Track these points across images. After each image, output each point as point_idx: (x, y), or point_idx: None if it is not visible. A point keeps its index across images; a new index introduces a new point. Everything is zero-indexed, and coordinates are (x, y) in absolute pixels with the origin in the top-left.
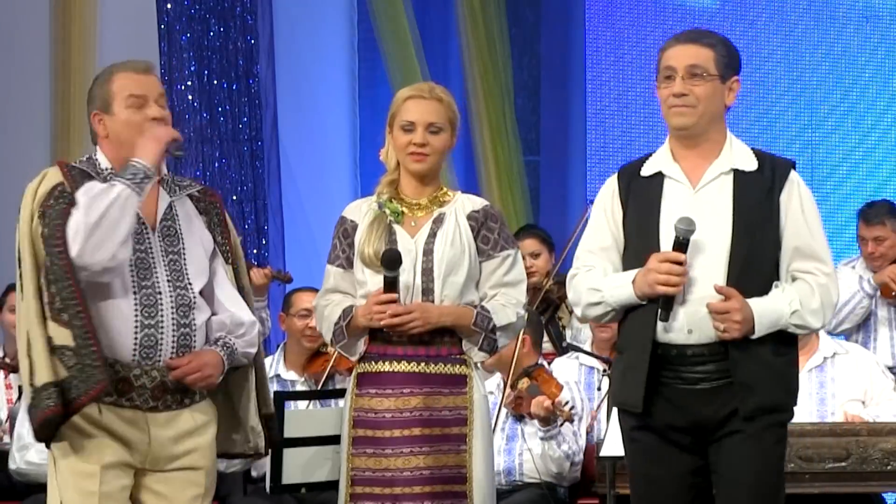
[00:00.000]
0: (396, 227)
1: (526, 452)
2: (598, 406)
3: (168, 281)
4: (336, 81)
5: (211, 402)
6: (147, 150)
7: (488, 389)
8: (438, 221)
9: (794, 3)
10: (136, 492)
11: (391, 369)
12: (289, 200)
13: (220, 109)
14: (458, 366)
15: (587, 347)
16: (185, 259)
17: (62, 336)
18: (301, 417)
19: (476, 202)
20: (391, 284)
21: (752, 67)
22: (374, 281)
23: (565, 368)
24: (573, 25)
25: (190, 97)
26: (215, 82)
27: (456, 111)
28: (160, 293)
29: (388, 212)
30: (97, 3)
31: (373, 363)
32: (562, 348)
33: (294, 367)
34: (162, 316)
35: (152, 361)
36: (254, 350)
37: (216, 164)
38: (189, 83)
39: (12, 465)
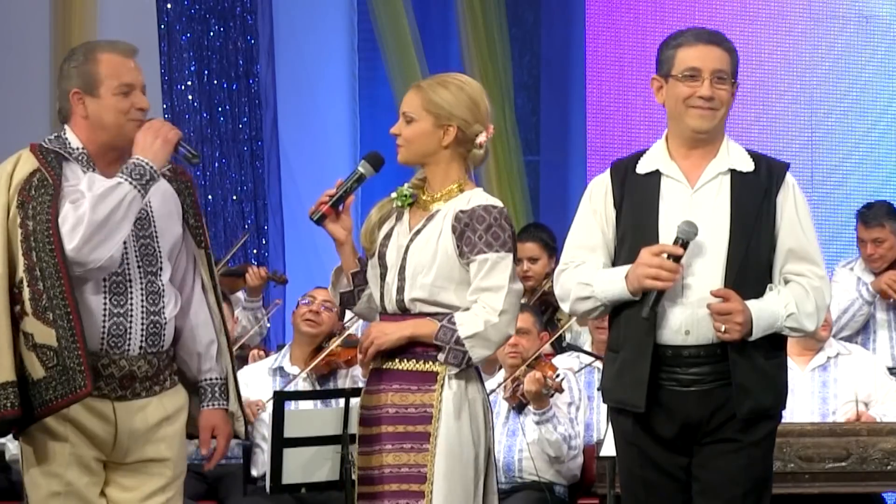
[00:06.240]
0: (404, 218)
1: (525, 450)
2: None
3: (139, 267)
4: (336, 81)
5: (183, 388)
6: (154, 151)
7: (490, 388)
8: (430, 219)
9: (793, 2)
10: (104, 484)
11: (373, 366)
12: (289, 200)
13: (220, 109)
14: (429, 363)
15: (587, 349)
16: (157, 243)
17: (45, 335)
18: (301, 417)
19: (473, 201)
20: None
21: (752, 67)
22: (371, 274)
23: (565, 367)
24: (573, 25)
25: (190, 97)
26: (215, 82)
27: (442, 101)
28: (130, 280)
29: (394, 195)
30: (97, 3)
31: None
32: (561, 348)
33: (298, 361)
34: (131, 304)
35: (121, 351)
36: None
37: (216, 164)
38: (189, 83)
39: (7, 455)
